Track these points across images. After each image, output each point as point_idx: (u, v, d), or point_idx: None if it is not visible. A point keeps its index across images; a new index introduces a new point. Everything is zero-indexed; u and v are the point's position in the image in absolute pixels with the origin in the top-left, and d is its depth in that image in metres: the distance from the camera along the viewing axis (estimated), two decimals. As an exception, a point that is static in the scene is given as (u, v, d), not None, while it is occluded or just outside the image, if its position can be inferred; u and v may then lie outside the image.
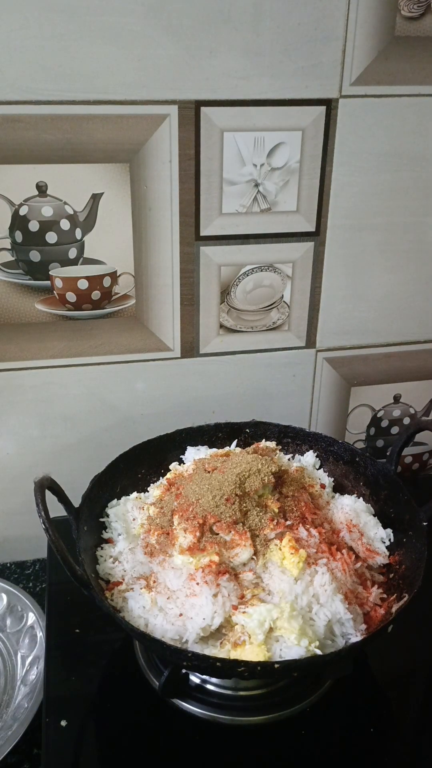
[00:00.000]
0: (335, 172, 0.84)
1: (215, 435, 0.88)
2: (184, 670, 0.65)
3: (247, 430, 0.88)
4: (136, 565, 0.69)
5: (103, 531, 0.75)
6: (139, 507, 0.77)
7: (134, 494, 0.80)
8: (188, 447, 0.86)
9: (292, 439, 0.87)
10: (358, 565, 0.69)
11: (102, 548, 0.73)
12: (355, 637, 0.62)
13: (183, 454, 0.86)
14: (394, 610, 0.63)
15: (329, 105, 0.80)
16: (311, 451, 0.86)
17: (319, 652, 0.59)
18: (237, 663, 0.55)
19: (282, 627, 0.60)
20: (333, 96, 0.80)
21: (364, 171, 0.85)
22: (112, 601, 0.66)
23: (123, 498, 0.79)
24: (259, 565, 0.66)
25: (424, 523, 0.70)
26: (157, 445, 0.84)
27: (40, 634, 0.82)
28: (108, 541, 0.74)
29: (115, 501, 0.78)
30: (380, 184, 0.86)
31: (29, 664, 0.80)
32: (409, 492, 0.74)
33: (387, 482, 0.78)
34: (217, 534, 0.67)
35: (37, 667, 0.78)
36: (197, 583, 0.63)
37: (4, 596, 0.88)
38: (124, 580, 0.68)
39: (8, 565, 0.99)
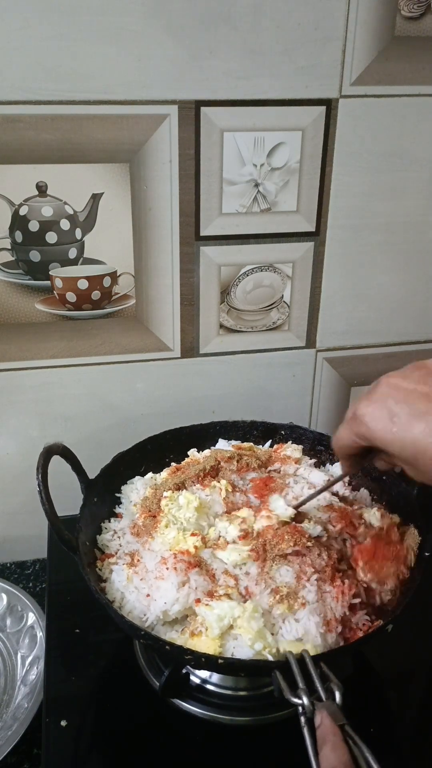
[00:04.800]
0: (335, 172, 0.84)
1: (250, 432, 0.89)
2: (185, 670, 0.66)
3: (283, 432, 0.88)
4: (131, 541, 0.71)
5: (117, 506, 0.78)
6: (148, 487, 0.78)
7: (149, 475, 0.81)
8: (220, 440, 0.87)
9: (326, 447, 0.85)
10: (357, 600, 0.64)
11: (109, 521, 0.75)
12: None
13: (215, 446, 0.86)
14: (369, 632, 0.62)
15: (329, 105, 0.80)
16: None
17: (271, 658, 0.58)
18: (185, 650, 0.56)
19: (241, 626, 0.60)
20: (333, 96, 0.80)
21: (364, 171, 0.85)
22: (101, 571, 0.68)
23: (137, 477, 0.81)
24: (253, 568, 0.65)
25: (426, 553, 0.67)
26: (189, 433, 0.86)
27: (40, 634, 0.82)
28: (118, 515, 0.77)
29: (135, 478, 0.80)
30: (380, 184, 0.86)
31: (29, 664, 0.80)
32: (424, 519, 0.71)
33: (406, 505, 0.75)
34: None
35: (37, 667, 0.78)
36: (167, 568, 0.64)
37: (4, 596, 0.88)
38: (116, 553, 0.71)
39: (8, 565, 0.99)
